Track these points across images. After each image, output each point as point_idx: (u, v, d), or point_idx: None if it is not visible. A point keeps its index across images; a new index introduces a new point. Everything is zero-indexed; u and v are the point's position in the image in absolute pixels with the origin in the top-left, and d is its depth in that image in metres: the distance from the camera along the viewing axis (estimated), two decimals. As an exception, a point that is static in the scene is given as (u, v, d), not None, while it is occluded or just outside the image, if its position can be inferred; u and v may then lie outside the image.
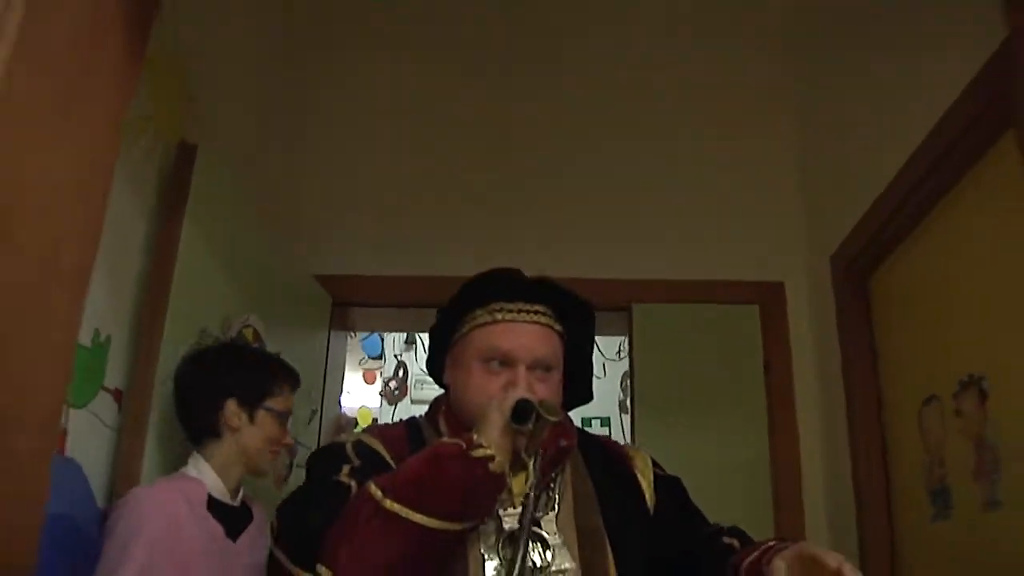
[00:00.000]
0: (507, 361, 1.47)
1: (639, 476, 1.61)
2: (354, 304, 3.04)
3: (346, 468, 1.37)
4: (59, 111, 1.18)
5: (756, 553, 1.39)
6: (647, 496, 1.58)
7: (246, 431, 1.86)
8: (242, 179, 2.33)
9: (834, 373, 2.63)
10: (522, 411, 1.31)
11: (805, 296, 2.90)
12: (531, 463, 1.38)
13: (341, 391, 3.30)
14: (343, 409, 3.77)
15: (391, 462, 1.40)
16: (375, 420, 4.97)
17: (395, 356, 5.00)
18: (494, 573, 1.34)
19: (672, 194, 3.04)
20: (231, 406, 1.85)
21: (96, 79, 1.27)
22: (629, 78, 3.10)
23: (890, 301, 2.47)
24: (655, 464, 1.65)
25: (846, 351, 2.58)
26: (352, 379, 5.02)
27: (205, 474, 1.82)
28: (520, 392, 1.38)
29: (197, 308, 1.98)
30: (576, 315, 1.57)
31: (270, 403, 1.91)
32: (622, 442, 1.69)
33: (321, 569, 1.23)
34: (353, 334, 3.57)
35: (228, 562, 1.78)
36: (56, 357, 1.20)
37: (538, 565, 1.35)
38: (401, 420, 1.63)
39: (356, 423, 4.75)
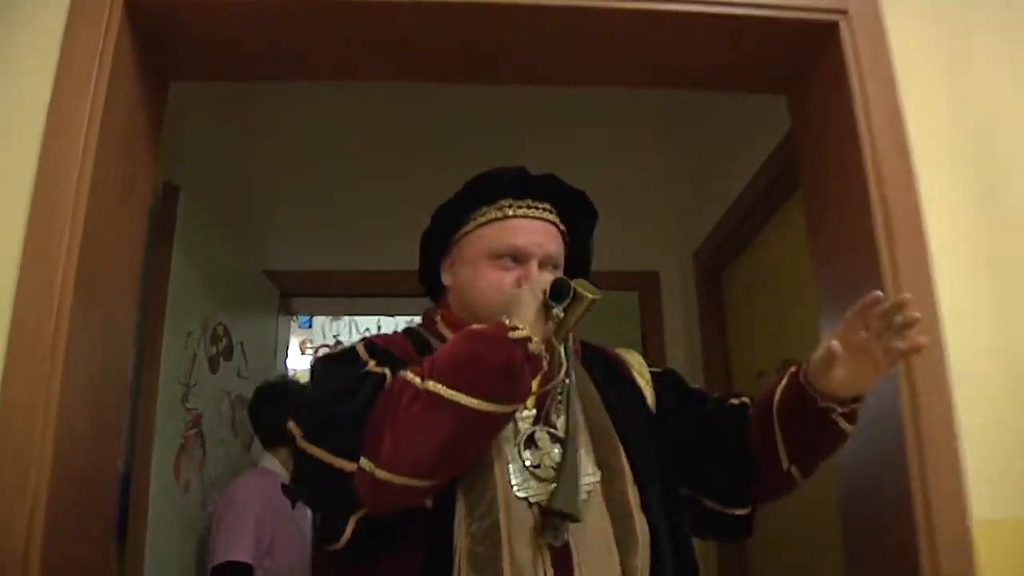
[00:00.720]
0: (519, 257, 1.42)
1: (637, 377, 1.56)
2: (297, 295, 3.52)
3: (372, 362, 1.32)
4: (119, 197, 1.65)
5: (784, 380, 1.36)
6: (647, 395, 1.54)
7: None
8: (210, 201, 2.78)
9: (696, 351, 3.25)
10: (559, 290, 1.27)
11: (676, 285, 3.47)
12: (562, 347, 1.35)
13: (287, 366, 3.80)
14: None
15: (404, 360, 1.32)
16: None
17: (333, 336, 5.49)
18: (519, 476, 1.29)
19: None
20: None
21: (137, 169, 1.73)
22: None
23: (738, 293, 3.09)
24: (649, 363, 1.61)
25: (704, 332, 3.20)
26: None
27: (278, 467, 2.54)
28: (552, 274, 1.36)
29: (184, 316, 2.44)
30: (580, 216, 1.54)
31: None
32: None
33: (363, 461, 1.18)
34: (295, 317, 4.04)
35: (296, 524, 2.49)
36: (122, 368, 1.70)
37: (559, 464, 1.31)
38: (395, 331, 1.54)
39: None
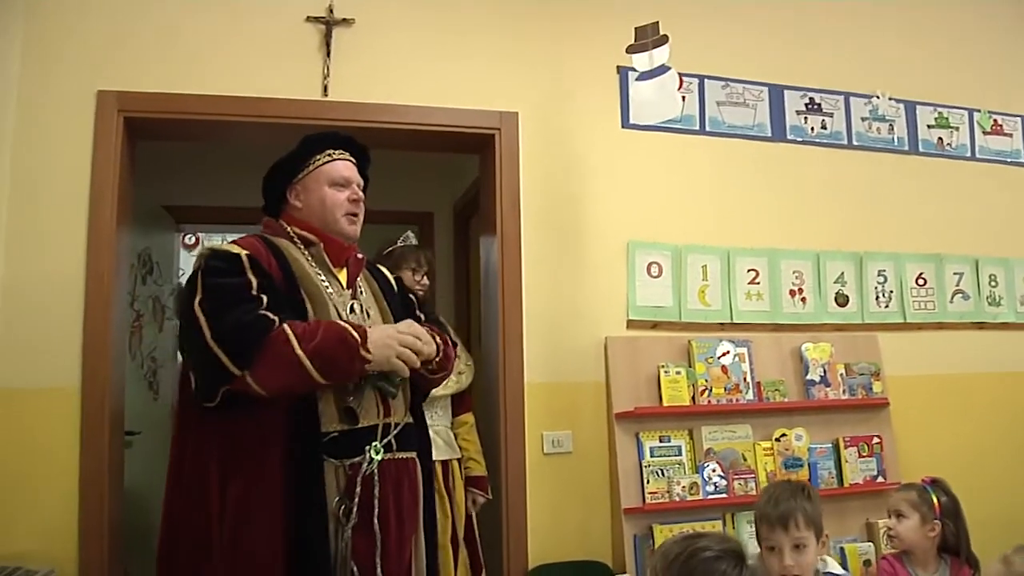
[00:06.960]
0: (346, 184, 2.08)
1: (407, 290, 2.37)
2: (186, 222, 5.07)
3: (254, 282, 1.81)
4: (122, 209, 3.22)
5: None
6: (412, 301, 2.29)
7: None
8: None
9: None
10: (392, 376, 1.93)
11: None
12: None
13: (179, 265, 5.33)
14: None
15: (270, 272, 1.86)
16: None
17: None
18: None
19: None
20: None
21: (129, 189, 3.29)
22: None
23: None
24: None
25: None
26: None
27: None
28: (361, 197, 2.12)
29: (131, 256, 3.93)
30: (365, 161, 2.21)
31: None
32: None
33: (242, 370, 1.70)
34: (182, 235, 5.52)
35: None
36: (121, 297, 3.34)
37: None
38: (247, 236, 2.02)
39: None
